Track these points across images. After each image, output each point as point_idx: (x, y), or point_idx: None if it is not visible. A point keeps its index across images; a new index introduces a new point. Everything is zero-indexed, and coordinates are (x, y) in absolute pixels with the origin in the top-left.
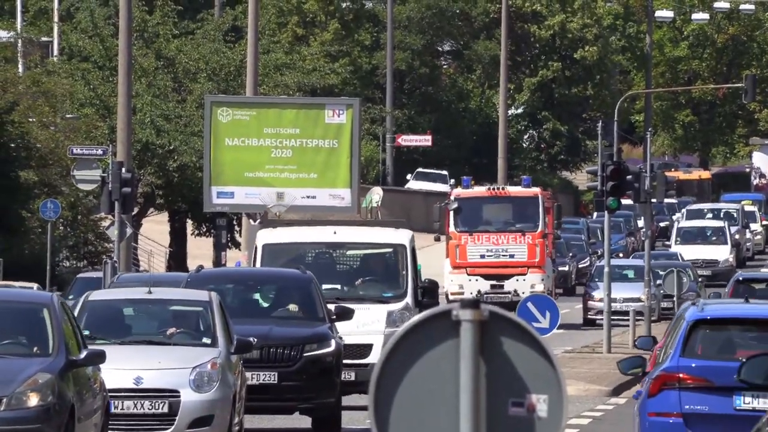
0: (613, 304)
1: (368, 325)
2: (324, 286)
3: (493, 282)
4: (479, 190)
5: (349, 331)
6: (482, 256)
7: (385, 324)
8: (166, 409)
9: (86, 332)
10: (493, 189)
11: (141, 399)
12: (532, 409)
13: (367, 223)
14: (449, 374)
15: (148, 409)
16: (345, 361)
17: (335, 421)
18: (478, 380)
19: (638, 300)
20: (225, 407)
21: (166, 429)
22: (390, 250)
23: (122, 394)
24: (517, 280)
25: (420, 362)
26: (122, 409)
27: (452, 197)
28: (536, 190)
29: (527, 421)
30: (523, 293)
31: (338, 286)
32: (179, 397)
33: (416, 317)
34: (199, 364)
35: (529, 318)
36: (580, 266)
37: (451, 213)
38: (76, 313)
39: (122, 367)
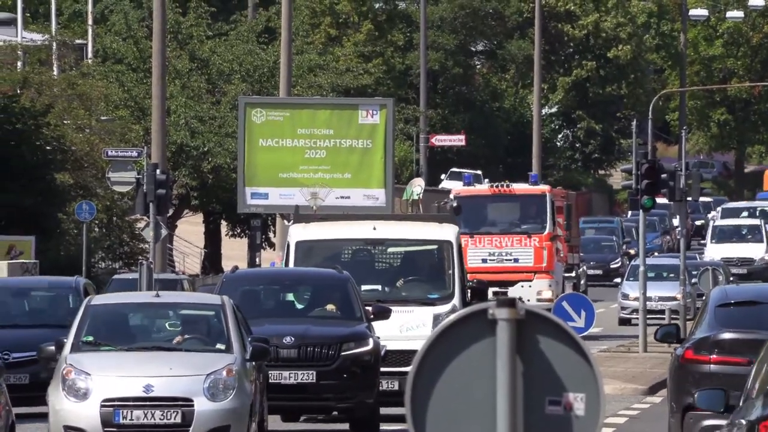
0: (648, 303)
1: (413, 330)
2: (363, 287)
3: (496, 289)
4: (481, 188)
5: (391, 336)
6: (484, 261)
7: (432, 328)
8: (179, 419)
9: (89, 338)
10: (497, 186)
11: (152, 408)
12: (569, 407)
13: (408, 217)
14: (486, 373)
15: (160, 419)
16: (388, 369)
17: (374, 423)
18: (514, 379)
19: (674, 299)
20: (242, 417)
21: None
22: (435, 246)
23: (131, 403)
24: (522, 287)
25: (456, 361)
26: (131, 419)
27: (452, 195)
28: (544, 187)
29: (564, 419)
30: (528, 301)
31: (378, 287)
32: (193, 406)
33: (452, 316)
34: (214, 371)
35: (565, 317)
36: (611, 266)
37: (454, 211)
38: (78, 319)
39: (131, 374)
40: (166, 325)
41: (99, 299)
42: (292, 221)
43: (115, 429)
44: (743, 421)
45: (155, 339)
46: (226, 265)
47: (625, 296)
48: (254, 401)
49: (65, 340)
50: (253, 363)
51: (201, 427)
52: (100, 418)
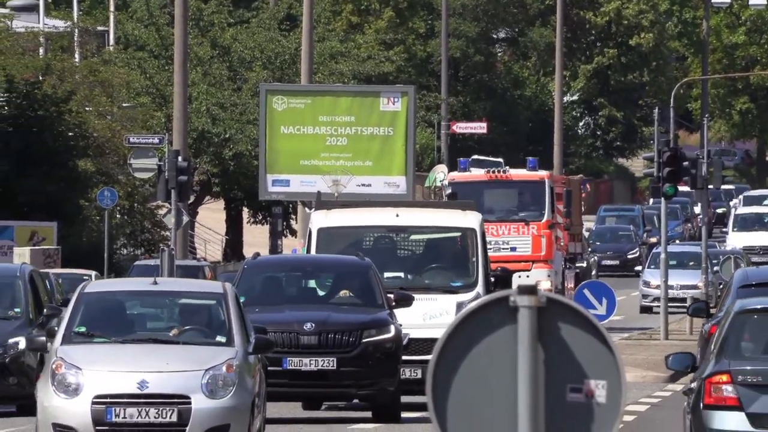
0: (669, 291)
1: (436, 318)
2: (386, 275)
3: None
4: (477, 174)
5: (415, 324)
6: None
7: (455, 316)
8: (174, 418)
9: (82, 329)
10: (493, 172)
11: (146, 406)
12: (590, 394)
13: (431, 204)
14: (507, 360)
15: (154, 417)
16: (411, 358)
17: (395, 410)
18: (536, 366)
19: (695, 287)
20: (242, 415)
21: None
22: (458, 234)
23: (124, 400)
24: (520, 277)
25: (477, 348)
26: (124, 417)
27: (446, 181)
28: (543, 173)
29: (586, 406)
30: None
31: (401, 274)
32: (190, 403)
33: (473, 303)
34: (213, 366)
35: (586, 304)
36: (628, 257)
37: (447, 198)
38: (70, 307)
39: (124, 369)
40: (164, 315)
41: (93, 286)
42: (313, 208)
43: (107, 428)
44: (701, 378)
45: (152, 330)
46: (248, 252)
47: (647, 284)
48: (256, 398)
49: (56, 329)
50: (259, 356)
51: (198, 426)
52: (91, 415)
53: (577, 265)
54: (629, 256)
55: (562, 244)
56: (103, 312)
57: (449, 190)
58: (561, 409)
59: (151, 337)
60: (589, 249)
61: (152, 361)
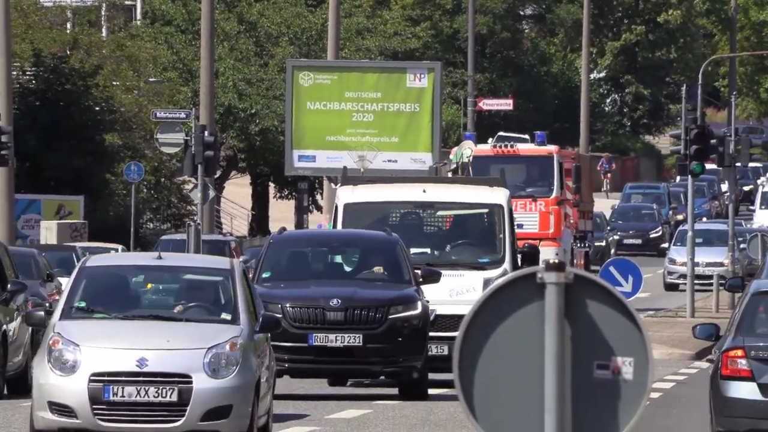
0: (695, 269)
1: (462, 294)
2: (412, 250)
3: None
4: (483, 148)
5: (441, 300)
6: None
7: (482, 293)
8: (175, 397)
9: (82, 304)
10: (500, 147)
11: (145, 385)
12: (617, 371)
13: (458, 180)
14: (534, 337)
15: (154, 396)
16: (438, 334)
17: (422, 387)
18: (563, 343)
19: (721, 264)
20: (246, 396)
21: (175, 421)
22: (485, 210)
23: (122, 378)
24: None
25: (504, 325)
26: (122, 396)
27: (451, 156)
28: (551, 148)
29: (612, 383)
30: None
31: (428, 250)
32: (191, 383)
33: (500, 280)
34: (216, 345)
35: (612, 281)
36: (651, 236)
37: (449, 175)
38: (70, 282)
39: (123, 347)
40: (168, 291)
41: (95, 260)
42: (339, 183)
43: (104, 407)
44: (717, 351)
45: (154, 306)
46: (274, 227)
47: (672, 261)
48: (260, 378)
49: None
50: (268, 335)
51: (199, 407)
52: (88, 394)
53: (595, 243)
54: (651, 235)
55: (571, 221)
56: (104, 287)
57: (453, 165)
58: (588, 386)
59: (153, 314)
60: (608, 227)
61: (153, 339)
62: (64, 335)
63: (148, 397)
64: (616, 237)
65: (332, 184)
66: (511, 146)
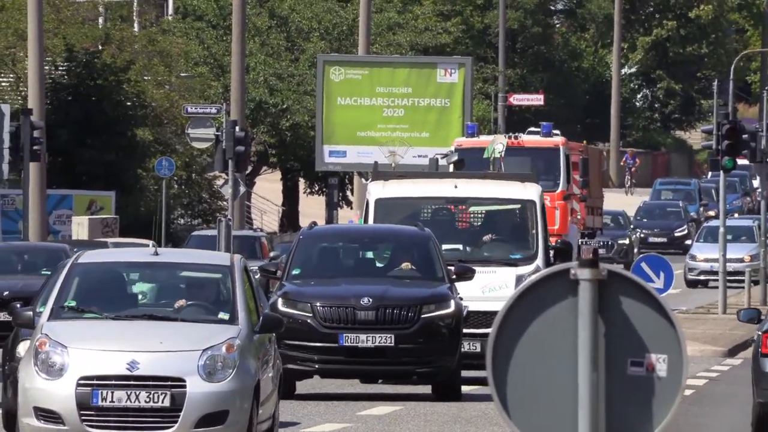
0: (715, 264)
1: (495, 291)
2: (444, 246)
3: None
4: (486, 140)
5: (473, 297)
6: None
7: (515, 289)
8: (167, 402)
9: (72, 303)
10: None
11: (136, 389)
12: (651, 368)
13: (490, 175)
14: (567, 333)
15: (145, 401)
16: (470, 331)
17: (455, 387)
18: (596, 339)
19: (741, 260)
20: (243, 401)
21: (168, 427)
22: (518, 206)
23: (112, 382)
24: None
25: (538, 321)
26: (111, 401)
27: (453, 147)
28: (558, 139)
29: (646, 380)
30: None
31: (460, 246)
32: (185, 387)
33: (534, 276)
34: (212, 346)
35: (644, 278)
36: (676, 234)
37: (451, 168)
38: (61, 278)
39: (113, 348)
40: (163, 289)
41: (87, 257)
42: (370, 179)
43: (92, 412)
44: (759, 333)
45: (148, 306)
46: (304, 223)
47: (693, 257)
48: (259, 381)
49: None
50: (272, 336)
51: (193, 413)
52: (76, 399)
53: (618, 242)
54: (677, 234)
55: (578, 217)
56: (96, 285)
57: (455, 157)
58: (622, 383)
59: (147, 313)
60: (632, 226)
61: (145, 340)
62: (52, 336)
63: (139, 402)
64: (641, 235)
65: (362, 180)
66: (516, 138)
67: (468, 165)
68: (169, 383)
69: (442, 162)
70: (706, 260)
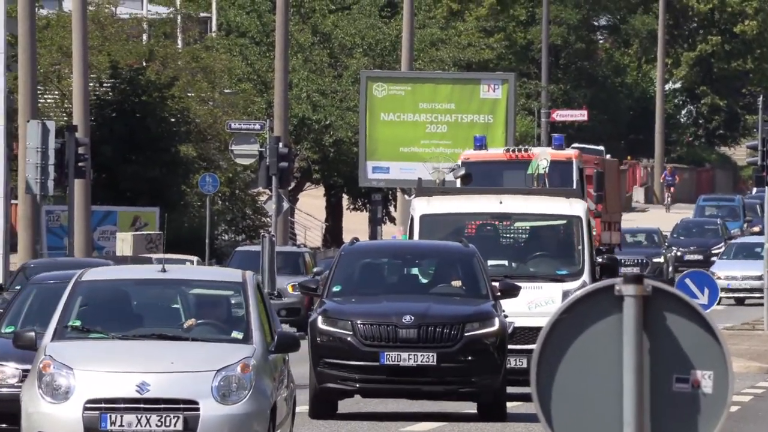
0: (751, 282)
1: (541, 306)
2: (489, 262)
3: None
4: (495, 153)
5: (520, 313)
6: None
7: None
8: (180, 426)
9: (77, 323)
10: (513, 151)
11: (146, 412)
12: (696, 385)
13: (534, 191)
14: (612, 350)
15: (156, 425)
16: (516, 347)
17: (500, 407)
18: (641, 356)
19: (759, 278)
20: (260, 423)
21: None
22: (564, 222)
23: (121, 405)
24: None
25: (582, 337)
26: (121, 425)
27: (460, 161)
28: (570, 152)
29: (692, 397)
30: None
31: (505, 262)
32: (198, 410)
33: (578, 292)
34: (226, 366)
35: (688, 294)
36: (712, 251)
37: (458, 182)
38: (64, 298)
39: (121, 370)
40: (172, 307)
41: (92, 274)
42: (414, 195)
43: None
44: None
45: (157, 325)
46: (347, 239)
47: (712, 274)
48: (276, 403)
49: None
50: (286, 356)
51: None
52: (83, 423)
53: (653, 260)
54: (713, 251)
55: (594, 233)
56: (101, 303)
57: (462, 171)
58: (667, 400)
59: (156, 333)
60: (666, 244)
61: (155, 361)
62: (56, 358)
63: (150, 426)
64: (678, 252)
65: (405, 196)
66: (526, 150)
67: (475, 179)
68: (182, 406)
69: (449, 177)
70: (726, 278)
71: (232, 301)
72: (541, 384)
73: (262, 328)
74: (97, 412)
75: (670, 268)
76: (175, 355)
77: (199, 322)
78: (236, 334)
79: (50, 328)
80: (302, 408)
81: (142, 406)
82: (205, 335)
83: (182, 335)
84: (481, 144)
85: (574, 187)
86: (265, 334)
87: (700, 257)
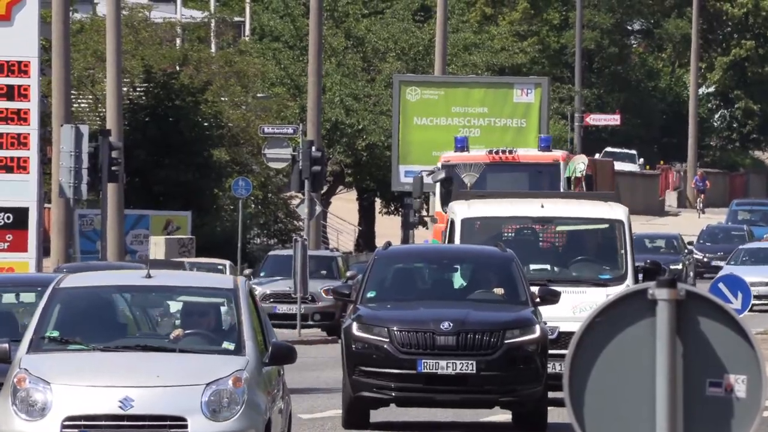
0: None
1: (586, 311)
2: (531, 267)
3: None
4: (477, 155)
5: (564, 317)
6: None
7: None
8: None
9: (55, 334)
10: (497, 153)
11: (130, 429)
12: (730, 389)
13: (573, 195)
14: (645, 354)
15: None
16: (560, 352)
17: (540, 416)
18: (674, 360)
19: (765, 284)
20: None
21: None
22: (606, 226)
23: (102, 423)
24: None
25: (615, 341)
26: None
27: (440, 163)
28: (557, 154)
29: (725, 401)
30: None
31: (547, 267)
32: (186, 426)
33: (611, 296)
34: (217, 380)
35: (721, 298)
36: None
37: (437, 186)
38: (40, 307)
39: (103, 384)
40: (158, 316)
41: (71, 280)
42: (451, 199)
43: None
44: None
45: (142, 335)
46: (380, 243)
47: None
48: (270, 419)
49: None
50: (281, 368)
51: None
52: None
53: (671, 267)
54: None
55: None
56: (81, 312)
57: (442, 175)
58: (700, 404)
59: (140, 344)
60: (686, 250)
61: (139, 374)
62: (32, 372)
63: None
64: (705, 259)
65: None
66: (510, 152)
67: (456, 183)
68: (168, 423)
69: (428, 180)
70: None
71: (223, 310)
72: (574, 388)
73: (256, 339)
74: (77, 430)
75: (691, 274)
76: (161, 367)
77: (187, 332)
78: (227, 345)
79: (25, 339)
80: (332, 413)
81: (125, 423)
82: (193, 346)
83: (169, 346)
84: (462, 145)
85: (562, 189)
86: (258, 344)
87: (725, 263)
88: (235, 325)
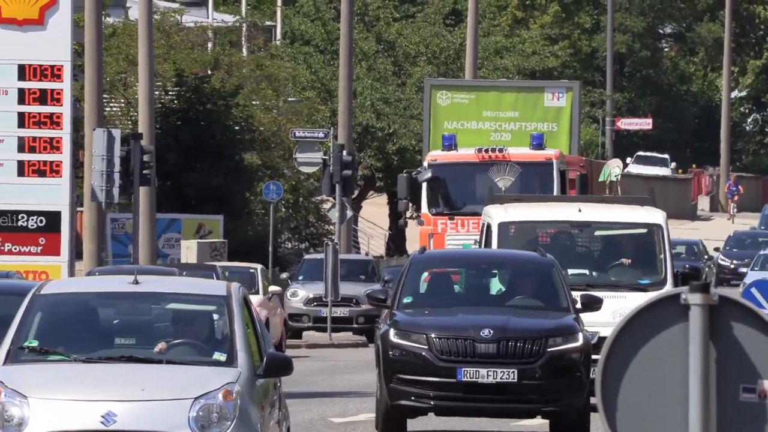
0: None
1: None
2: (570, 271)
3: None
4: (465, 153)
5: (605, 323)
6: None
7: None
8: None
9: (34, 344)
10: (486, 152)
11: None
12: (764, 395)
13: (610, 199)
14: (678, 359)
15: None
16: (598, 357)
17: (583, 426)
18: (707, 365)
19: None
20: None
21: None
22: (644, 230)
23: None
24: None
25: (648, 346)
26: None
27: (426, 162)
28: (550, 152)
29: (759, 407)
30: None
31: (586, 271)
32: None
33: (644, 301)
34: (206, 393)
35: (754, 304)
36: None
37: (424, 186)
38: (19, 315)
39: (83, 397)
40: (144, 325)
41: (52, 287)
42: (486, 202)
43: None
44: None
45: (127, 345)
46: (411, 248)
47: (744, 285)
48: None
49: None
50: (278, 381)
51: None
52: None
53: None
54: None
55: None
56: (63, 321)
57: (428, 174)
58: (733, 409)
59: (125, 355)
60: (706, 256)
61: (123, 387)
62: (9, 384)
63: None
64: (732, 265)
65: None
66: (500, 150)
67: (443, 183)
68: None
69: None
70: None
71: (215, 318)
72: (606, 394)
73: (249, 349)
74: None
75: (712, 280)
76: (147, 380)
77: (175, 342)
78: (218, 356)
79: (2, 350)
80: (364, 416)
81: None
82: (182, 357)
83: (155, 358)
84: (450, 144)
85: (555, 190)
86: (252, 355)
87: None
88: (227, 335)
